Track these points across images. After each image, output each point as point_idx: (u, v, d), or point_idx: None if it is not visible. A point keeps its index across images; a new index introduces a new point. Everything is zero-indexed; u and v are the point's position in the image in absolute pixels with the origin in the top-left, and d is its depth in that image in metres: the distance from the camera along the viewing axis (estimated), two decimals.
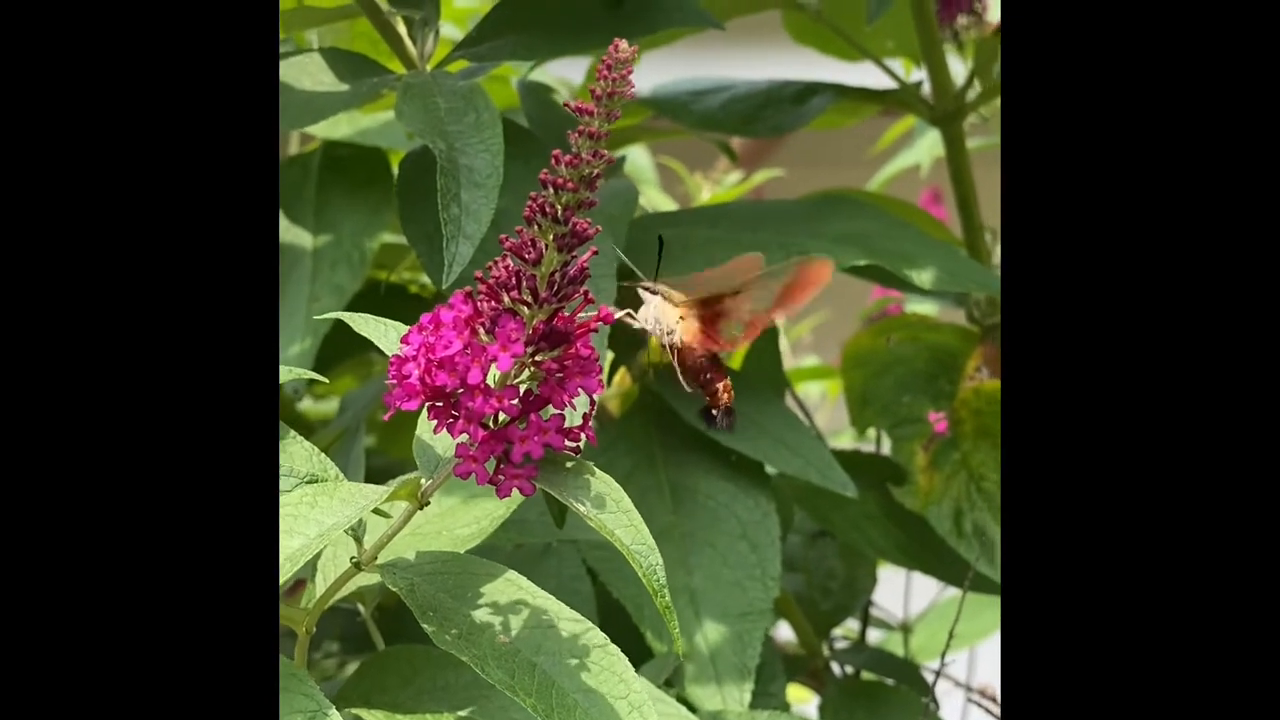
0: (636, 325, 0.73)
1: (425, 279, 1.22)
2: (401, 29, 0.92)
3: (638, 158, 1.61)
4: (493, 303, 0.60)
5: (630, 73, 0.58)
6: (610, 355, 1.02)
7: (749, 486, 0.98)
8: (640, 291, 0.73)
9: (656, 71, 1.25)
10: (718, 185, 1.65)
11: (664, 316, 0.73)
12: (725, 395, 0.75)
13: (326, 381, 0.74)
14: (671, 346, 0.73)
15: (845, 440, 1.58)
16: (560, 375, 0.61)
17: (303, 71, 0.88)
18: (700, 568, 0.95)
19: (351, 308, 1.03)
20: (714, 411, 0.76)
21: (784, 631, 1.30)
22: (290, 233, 1.09)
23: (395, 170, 1.09)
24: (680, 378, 0.74)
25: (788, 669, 1.13)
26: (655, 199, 1.55)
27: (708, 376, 0.74)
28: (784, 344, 1.93)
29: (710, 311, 0.72)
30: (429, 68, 0.91)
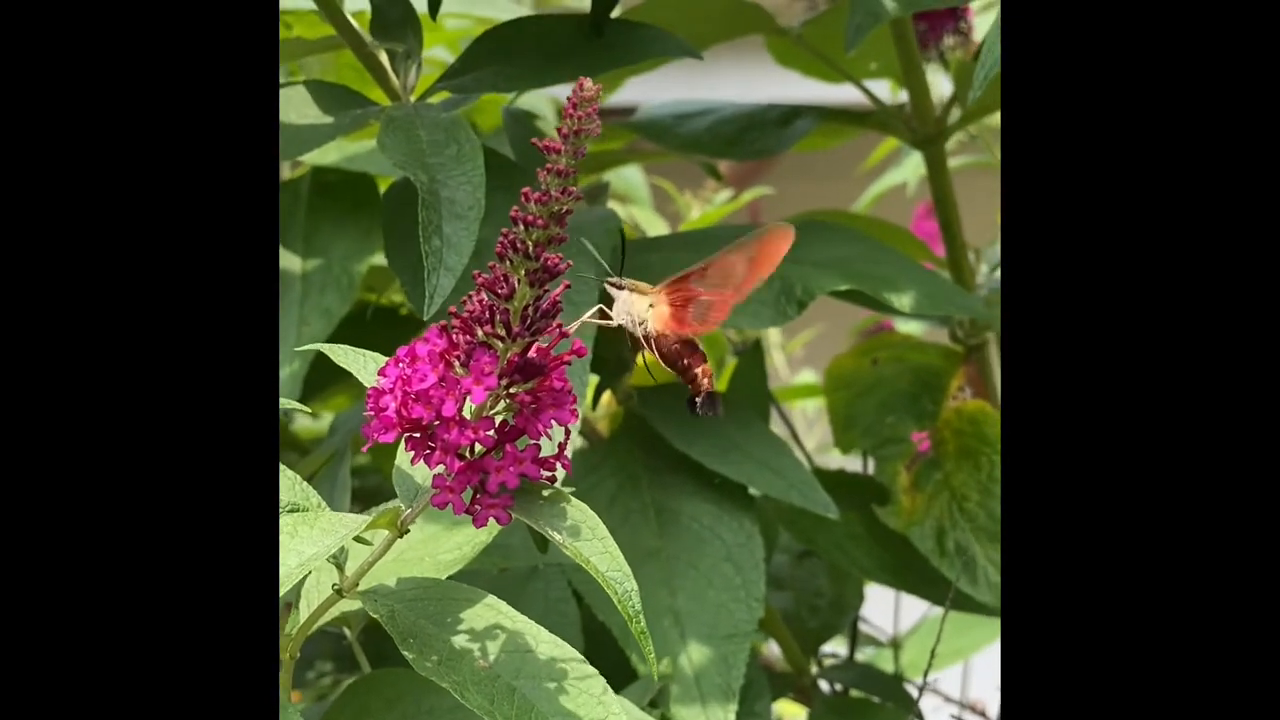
0: (613, 324, 0.74)
1: None
2: (385, 60, 0.93)
3: (632, 177, 1.62)
4: (467, 336, 0.61)
5: (595, 111, 0.60)
6: (595, 379, 1.03)
7: (733, 509, 1.00)
8: (608, 288, 0.74)
9: (651, 87, 1.27)
10: (708, 204, 1.67)
11: (634, 307, 0.73)
12: (705, 380, 0.75)
13: (312, 413, 0.75)
14: (646, 336, 0.74)
15: (839, 456, 1.59)
16: (534, 407, 0.62)
17: (288, 104, 0.89)
18: (684, 589, 0.97)
19: (341, 331, 1.05)
20: (696, 399, 0.76)
21: (775, 648, 1.32)
22: (280, 257, 1.10)
23: (384, 195, 1.10)
24: (660, 365, 0.74)
25: (776, 686, 1.14)
26: (647, 219, 1.56)
27: (685, 362, 0.75)
28: (779, 359, 1.95)
29: (678, 295, 0.73)
30: (413, 98, 0.92)
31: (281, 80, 1.12)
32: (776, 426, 1.20)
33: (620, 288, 0.74)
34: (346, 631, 0.83)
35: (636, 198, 1.63)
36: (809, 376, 2.00)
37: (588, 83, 0.59)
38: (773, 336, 1.94)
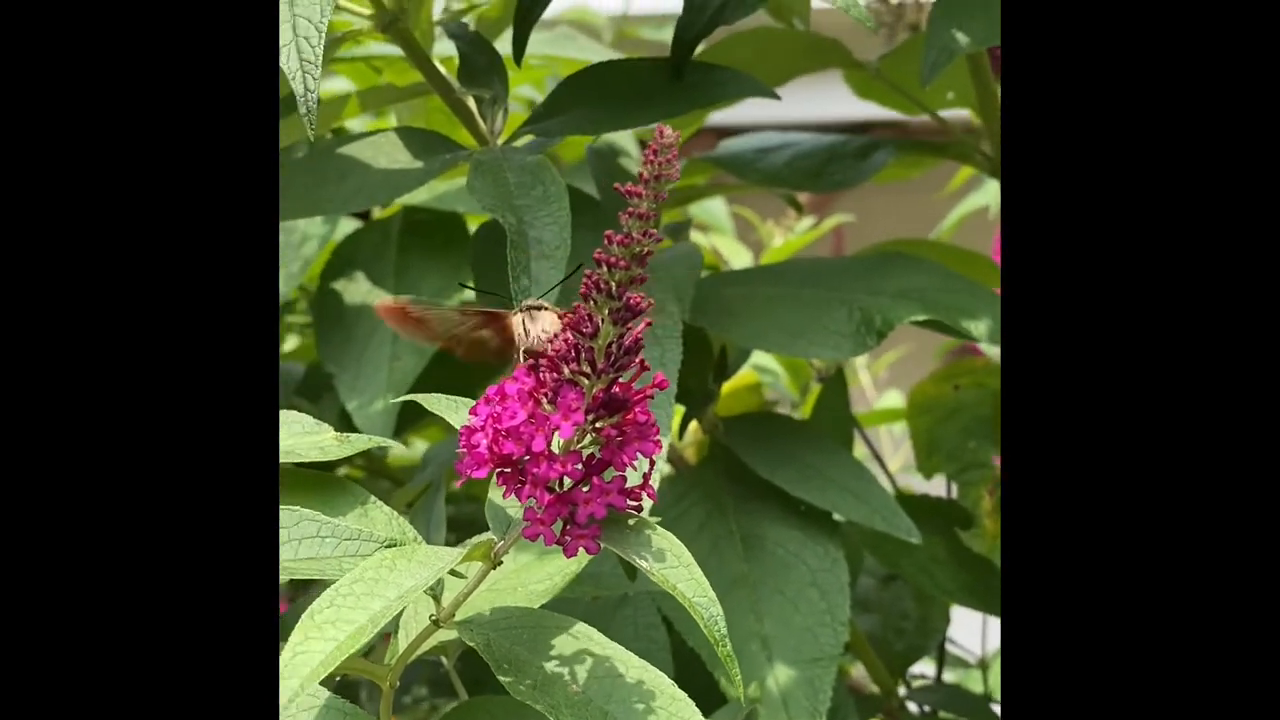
0: (526, 344, 0.75)
1: None
2: (472, 105, 0.96)
3: (714, 207, 1.64)
4: (554, 374, 0.64)
5: (675, 157, 0.62)
6: (681, 409, 1.06)
7: (817, 534, 1.01)
8: (532, 311, 0.75)
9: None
10: (790, 232, 1.69)
11: (549, 326, 0.75)
12: None
13: (404, 447, 0.77)
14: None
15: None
16: (620, 440, 0.64)
17: (379, 150, 0.93)
18: (771, 614, 0.98)
19: (432, 366, 1.08)
20: None
21: (863, 670, 1.33)
22: (373, 294, 1.14)
23: (472, 233, 1.14)
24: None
25: (865, 708, 1.15)
26: (729, 247, 1.58)
27: None
28: (865, 379, 1.96)
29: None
30: (500, 141, 0.95)
31: (367, 126, 1.15)
32: (861, 448, 1.22)
33: (542, 309, 0.76)
34: (444, 660, 0.85)
35: (718, 227, 1.65)
36: (895, 396, 2.01)
37: (667, 130, 0.62)
38: (858, 357, 1.95)
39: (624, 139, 1.32)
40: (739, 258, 1.57)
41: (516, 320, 0.74)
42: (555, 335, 0.73)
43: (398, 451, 1.42)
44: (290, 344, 1.40)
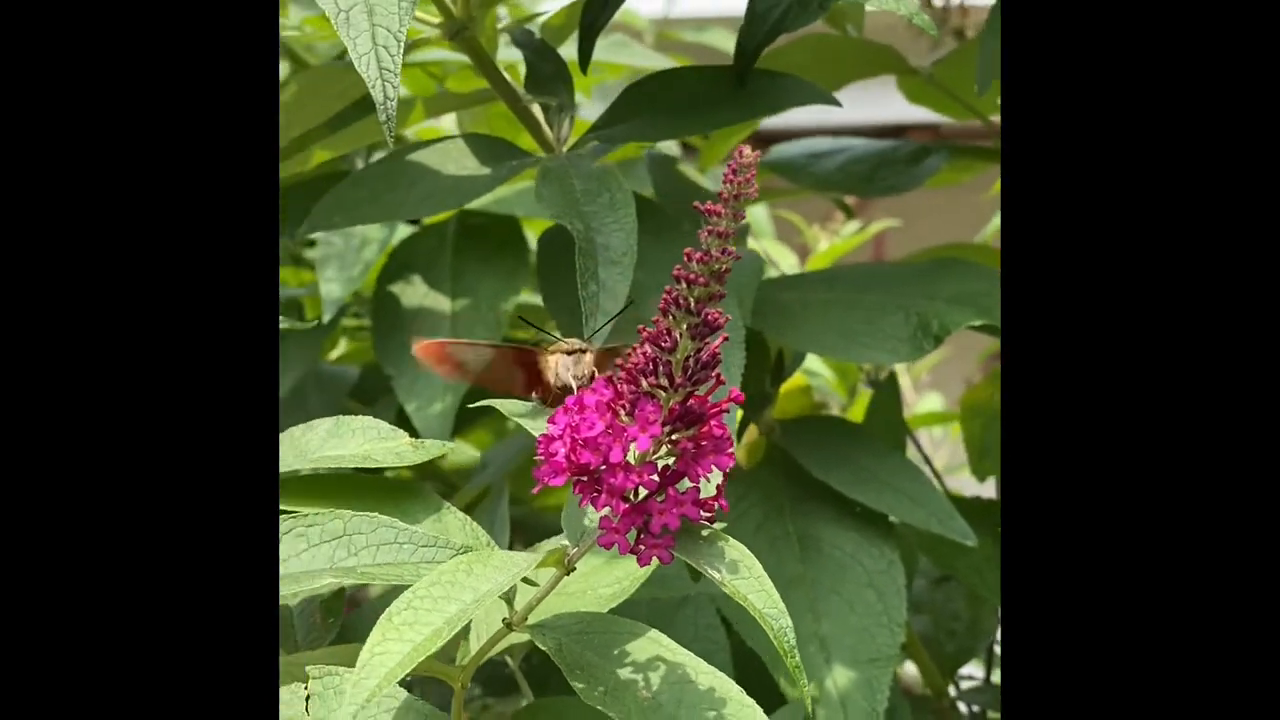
0: (563, 381, 0.77)
1: None
2: (538, 112, 0.97)
3: (755, 211, 1.65)
4: (632, 387, 0.65)
5: (753, 177, 0.63)
6: (739, 413, 1.07)
7: (874, 536, 1.02)
8: (577, 355, 0.77)
9: None
10: (835, 236, 1.70)
11: (587, 370, 0.76)
12: None
13: (474, 454, 0.78)
14: (566, 388, 0.77)
15: (967, 474, 1.61)
16: (695, 452, 0.66)
17: (446, 157, 0.94)
18: (828, 615, 0.99)
19: None
20: None
21: (911, 670, 1.34)
22: (429, 297, 1.15)
23: (527, 236, 1.15)
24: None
25: (915, 709, 1.16)
26: (772, 250, 1.59)
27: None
28: (905, 383, 1.97)
29: (601, 362, 0.77)
30: (565, 149, 0.96)
31: (418, 134, 1.16)
32: (909, 449, 1.23)
33: (586, 351, 0.77)
34: (509, 660, 0.86)
35: (760, 231, 1.66)
36: (935, 399, 2.02)
37: (746, 149, 0.63)
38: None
39: (669, 143, 1.33)
40: (785, 260, 1.58)
41: (553, 360, 0.76)
42: (580, 379, 0.74)
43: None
44: (341, 348, 1.42)
